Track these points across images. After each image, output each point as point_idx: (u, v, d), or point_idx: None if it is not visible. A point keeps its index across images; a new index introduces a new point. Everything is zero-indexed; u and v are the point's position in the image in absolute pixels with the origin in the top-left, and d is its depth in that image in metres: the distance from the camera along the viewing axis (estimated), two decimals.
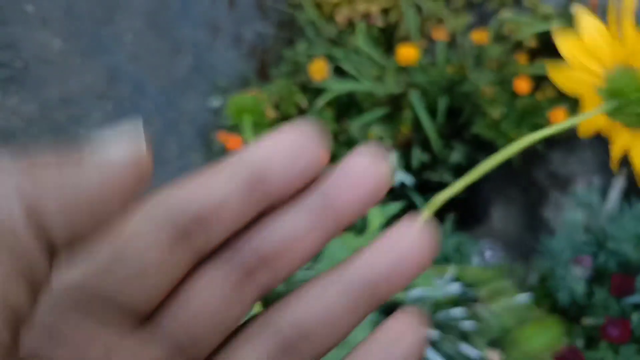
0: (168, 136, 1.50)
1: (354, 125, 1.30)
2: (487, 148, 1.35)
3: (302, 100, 1.35)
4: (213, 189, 0.15)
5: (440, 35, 1.29)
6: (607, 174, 1.53)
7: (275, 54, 1.77)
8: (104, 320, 0.14)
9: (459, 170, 1.34)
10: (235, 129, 1.48)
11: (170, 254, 0.14)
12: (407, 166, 1.30)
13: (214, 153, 1.56)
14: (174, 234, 0.14)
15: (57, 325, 0.13)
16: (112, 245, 0.14)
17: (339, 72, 1.44)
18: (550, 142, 1.44)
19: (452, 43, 1.35)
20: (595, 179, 1.53)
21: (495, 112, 1.18)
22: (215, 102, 1.57)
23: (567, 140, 1.53)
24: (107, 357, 0.14)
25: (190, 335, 0.15)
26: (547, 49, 1.37)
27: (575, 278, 0.99)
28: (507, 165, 1.43)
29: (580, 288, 1.00)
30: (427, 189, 1.34)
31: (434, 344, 1.28)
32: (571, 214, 1.13)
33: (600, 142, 1.58)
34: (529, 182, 1.69)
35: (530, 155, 1.42)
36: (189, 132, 1.52)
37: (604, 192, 1.38)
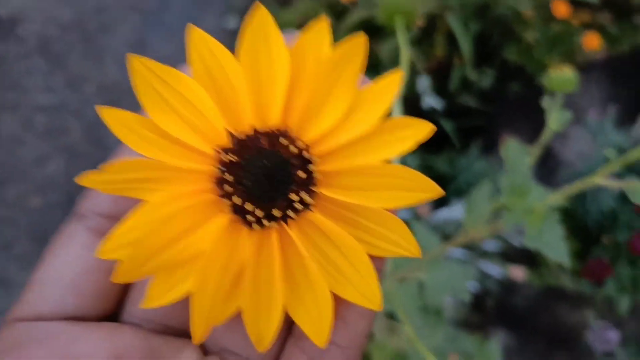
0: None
1: (385, 48, 1.27)
2: (515, 74, 1.36)
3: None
4: None
5: None
6: (607, 107, 1.58)
7: None
8: None
9: (486, 96, 1.35)
10: None
11: None
12: (437, 90, 1.29)
13: None
14: None
15: None
16: None
17: None
18: None
19: None
20: (593, 111, 1.57)
21: (530, 36, 1.18)
22: (231, 22, 1.50)
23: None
24: None
25: None
26: None
27: (606, 195, 1.04)
28: (516, 96, 1.44)
29: (610, 204, 1.05)
30: (454, 113, 1.35)
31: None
32: (602, 137, 1.16)
33: (604, 76, 1.61)
34: (536, 113, 1.72)
35: (537, 87, 1.43)
36: None
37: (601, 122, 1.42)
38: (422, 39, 1.30)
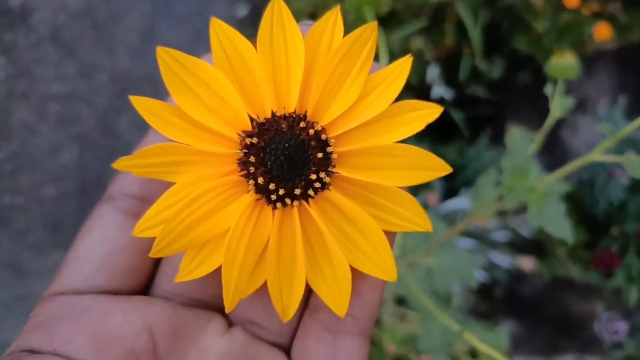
0: (198, 42, 1.45)
1: (395, 37, 1.27)
2: (525, 64, 1.35)
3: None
4: None
5: None
6: (616, 97, 1.56)
7: None
8: None
9: (495, 86, 1.35)
10: None
11: None
12: (446, 80, 1.29)
13: None
14: None
15: None
16: None
17: None
18: None
19: None
20: (604, 101, 1.55)
21: (540, 26, 1.18)
22: (240, 10, 1.51)
23: (583, 62, 1.54)
24: None
25: None
26: None
27: (616, 186, 1.04)
28: (525, 86, 1.43)
29: (620, 195, 1.05)
30: (463, 103, 1.35)
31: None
32: (612, 126, 1.16)
33: (614, 66, 1.60)
34: (546, 103, 1.70)
35: (547, 77, 1.42)
36: None
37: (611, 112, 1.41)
38: (432, 28, 1.30)
